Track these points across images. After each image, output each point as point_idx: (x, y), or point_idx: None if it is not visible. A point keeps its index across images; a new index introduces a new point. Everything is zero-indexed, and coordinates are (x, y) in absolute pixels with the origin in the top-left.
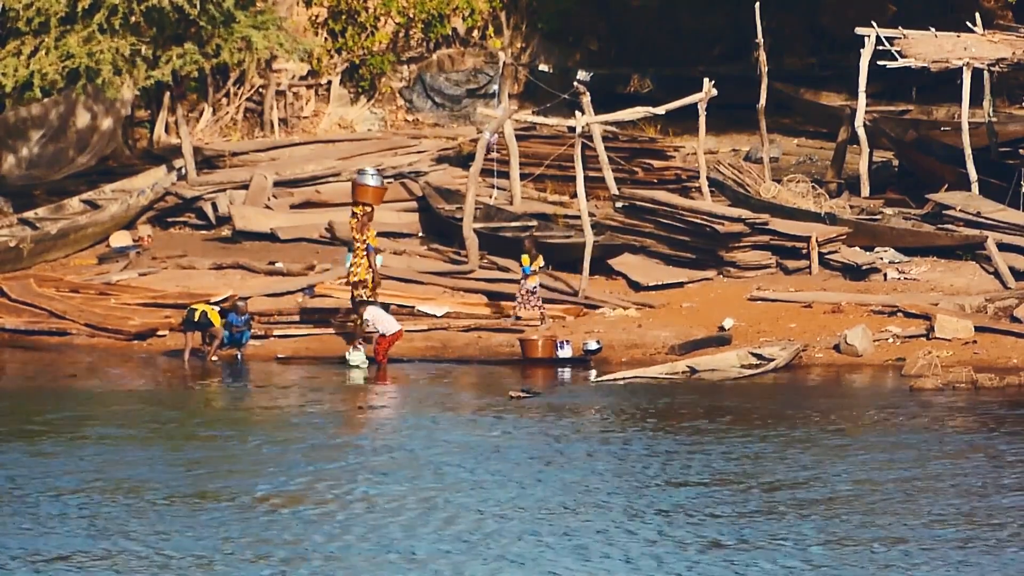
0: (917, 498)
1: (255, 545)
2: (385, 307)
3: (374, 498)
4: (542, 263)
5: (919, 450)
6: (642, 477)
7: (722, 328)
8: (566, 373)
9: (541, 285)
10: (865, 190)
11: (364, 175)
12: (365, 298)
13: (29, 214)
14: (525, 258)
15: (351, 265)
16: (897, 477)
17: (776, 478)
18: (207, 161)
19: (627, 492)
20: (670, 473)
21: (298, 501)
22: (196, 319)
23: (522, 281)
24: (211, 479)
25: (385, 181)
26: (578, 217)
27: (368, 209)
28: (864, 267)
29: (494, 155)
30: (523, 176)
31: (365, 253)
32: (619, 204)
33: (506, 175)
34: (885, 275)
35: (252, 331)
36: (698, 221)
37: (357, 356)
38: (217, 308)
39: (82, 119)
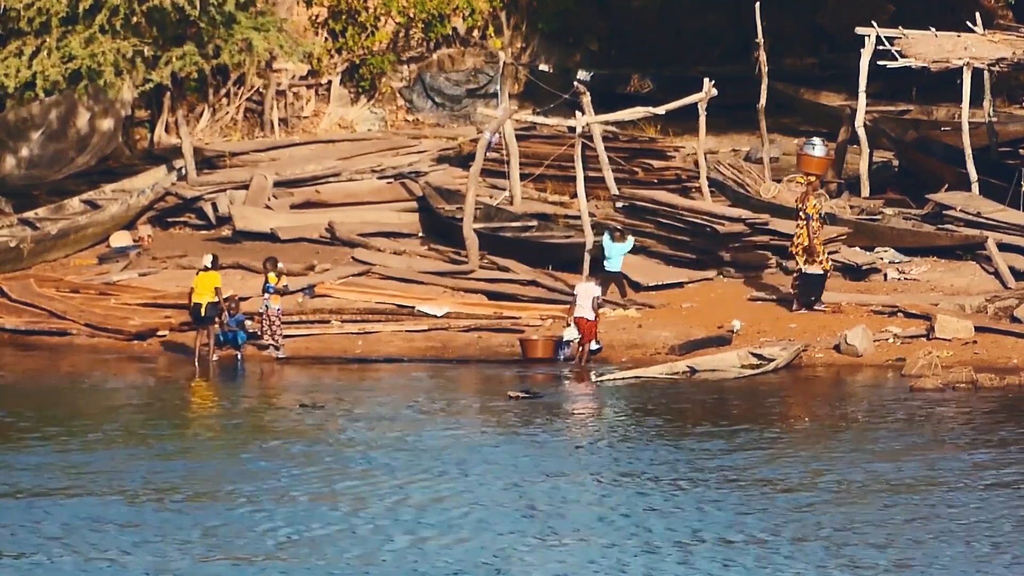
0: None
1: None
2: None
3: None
4: (286, 283)
5: (918, 450)
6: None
7: (731, 331)
8: (566, 373)
9: (537, 284)
10: (865, 190)
11: (811, 146)
12: (800, 265)
13: (29, 214)
14: (272, 276)
15: (796, 236)
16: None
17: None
18: (207, 161)
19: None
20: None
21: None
22: (203, 313)
23: (266, 300)
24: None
25: (829, 151)
26: (578, 217)
27: (813, 179)
28: (864, 267)
29: (499, 154)
30: (523, 176)
31: (805, 222)
32: (619, 204)
33: (506, 175)
34: (885, 275)
35: (250, 331)
36: (698, 221)
37: (570, 332)
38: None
39: (82, 119)
